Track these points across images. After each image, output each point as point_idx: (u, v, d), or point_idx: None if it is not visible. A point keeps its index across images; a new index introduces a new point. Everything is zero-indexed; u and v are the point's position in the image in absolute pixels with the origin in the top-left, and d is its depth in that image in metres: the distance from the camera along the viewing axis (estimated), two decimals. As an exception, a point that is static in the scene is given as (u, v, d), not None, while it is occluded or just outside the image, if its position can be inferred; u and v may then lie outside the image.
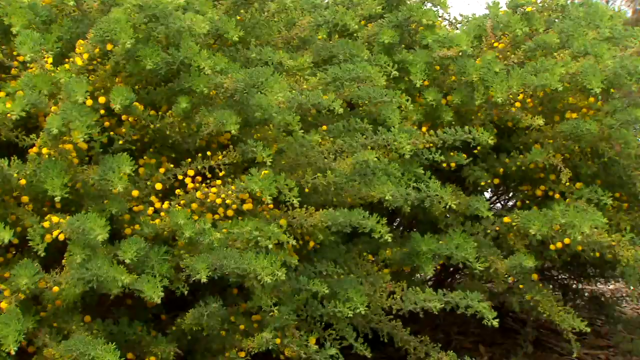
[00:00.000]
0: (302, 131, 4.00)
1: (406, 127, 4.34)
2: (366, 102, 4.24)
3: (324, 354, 3.95)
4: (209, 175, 3.86)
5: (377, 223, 3.88)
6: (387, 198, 4.01)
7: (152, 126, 3.84)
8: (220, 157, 3.86)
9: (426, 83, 4.54)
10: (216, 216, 3.80)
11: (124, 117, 3.82)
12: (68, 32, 3.85)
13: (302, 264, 4.01)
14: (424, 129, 4.54)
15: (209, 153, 3.87)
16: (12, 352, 3.33)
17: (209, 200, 3.79)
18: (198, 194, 3.79)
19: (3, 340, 3.34)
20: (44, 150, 3.57)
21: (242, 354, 3.88)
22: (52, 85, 3.59)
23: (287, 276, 3.65)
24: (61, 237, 3.48)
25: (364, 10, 4.78)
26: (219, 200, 3.78)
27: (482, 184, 4.76)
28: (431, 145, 4.31)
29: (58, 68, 3.66)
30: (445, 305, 4.17)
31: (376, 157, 3.97)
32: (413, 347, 4.32)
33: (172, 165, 3.88)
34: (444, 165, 4.49)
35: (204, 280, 3.52)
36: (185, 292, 3.66)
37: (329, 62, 4.42)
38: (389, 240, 3.88)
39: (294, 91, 3.92)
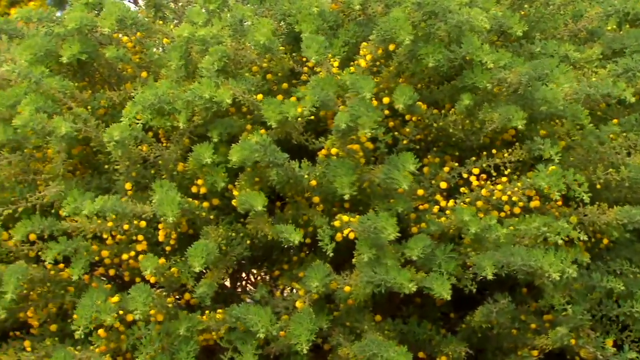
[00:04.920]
0: (591, 125, 3.87)
1: None
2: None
3: (623, 357, 3.81)
4: (494, 174, 3.82)
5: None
6: None
7: (435, 125, 3.86)
8: (505, 155, 3.81)
9: None
10: (502, 214, 3.75)
11: (407, 116, 3.87)
12: (354, 37, 3.96)
13: (594, 263, 3.87)
14: None
15: (493, 151, 3.83)
16: (305, 351, 3.45)
17: (494, 197, 3.75)
18: (483, 191, 3.76)
19: (295, 340, 3.48)
20: (333, 151, 3.68)
21: (535, 353, 3.80)
22: (339, 87, 3.69)
23: (578, 274, 3.54)
24: (351, 236, 3.57)
25: (657, -3, 4.55)
26: (504, 198, 3.73)
27: None
28: None
29: (344, 71, 3.78)
30: None
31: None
32: None
33: (456, 164, 3.87)
34: None
35: (489, 277, 3.49)
36: (474, 290, 3.65)
37: (620, 54, 4.24)
38: (693, 238, 3.68)
39: (581, 83, 3.79)
